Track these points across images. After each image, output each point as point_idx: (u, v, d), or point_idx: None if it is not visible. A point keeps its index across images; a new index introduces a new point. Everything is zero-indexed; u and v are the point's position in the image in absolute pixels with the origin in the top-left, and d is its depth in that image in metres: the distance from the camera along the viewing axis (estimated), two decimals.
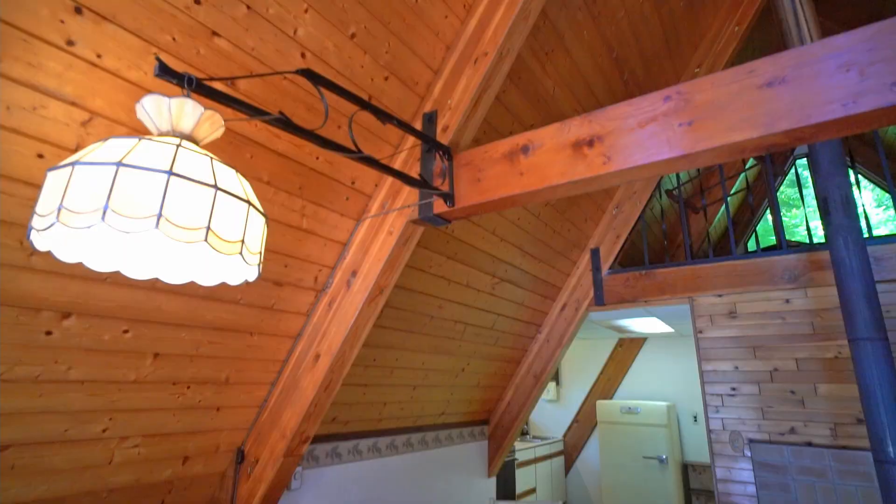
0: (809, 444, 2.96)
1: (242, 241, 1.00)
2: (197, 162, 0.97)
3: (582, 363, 6.53)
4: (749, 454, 3.13)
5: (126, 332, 1.70)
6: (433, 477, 3.57)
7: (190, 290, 1.78)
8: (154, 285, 1.69)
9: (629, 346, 6.18)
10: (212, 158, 1.02)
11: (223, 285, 1.87)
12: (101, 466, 1.84)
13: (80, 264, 1.49)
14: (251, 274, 1.12)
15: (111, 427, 1.81)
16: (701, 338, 3.45)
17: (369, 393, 2.88)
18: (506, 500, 4.60)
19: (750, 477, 3.12)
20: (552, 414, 6.55)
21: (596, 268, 3.96)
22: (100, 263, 1.05)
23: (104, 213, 0.83)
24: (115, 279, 1.59)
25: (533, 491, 5.24)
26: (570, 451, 6.30)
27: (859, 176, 6.95)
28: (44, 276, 1.45)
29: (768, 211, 7.78)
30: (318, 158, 1.92)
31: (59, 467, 1.73)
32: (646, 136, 1.48)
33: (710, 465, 5.34)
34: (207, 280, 1.14)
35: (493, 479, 4.23)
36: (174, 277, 1.13)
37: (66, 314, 1.54)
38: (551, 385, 6.58)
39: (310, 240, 2.06)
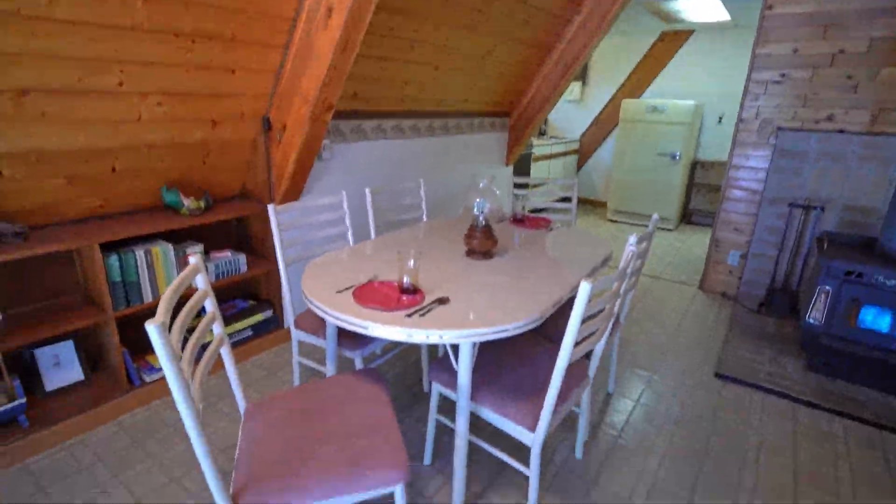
0: (841, 132, 2.89)
1: None
2: None
3: (613, 61, 6.04)
4: (773, 141, 3.12)
5: None
6: (454, 160, 3.75)
7: None
8: None
9: (671, 42, 5.57)
10: None
11: None
12: (132, 122, 1.86)
13: None
14: None
15: (126, 81, 1.73)
16: (768, 15, 2.98)
17: (389, 69, 2.71)
18: (521, 185, 4.99)
19: (765, 163, 3.19)
20: (573, 115, 6.47)
21: None
22: None
23: None
24: None
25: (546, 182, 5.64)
26: (585, 150, 6.50)
27: None
28: None
29: None
30: None
31: (90, 118, 1.74)
32: None
33: (718, 163, 5.53)
34: None
35: (511, 168, 4.47)
36: None
37: None
38: (575, 85, 6.27)
39: None
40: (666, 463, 1.83)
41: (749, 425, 2.07)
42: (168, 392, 2.16)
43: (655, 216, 1.81)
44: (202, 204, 2.17)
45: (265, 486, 1.03)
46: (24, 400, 1.77)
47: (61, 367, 2.00)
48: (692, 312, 3.23)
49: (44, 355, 1.96)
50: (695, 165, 5.69)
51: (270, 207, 1.87)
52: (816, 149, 2.97)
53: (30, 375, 1.95)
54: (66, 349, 2.01)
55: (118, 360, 2.00)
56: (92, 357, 2.17)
